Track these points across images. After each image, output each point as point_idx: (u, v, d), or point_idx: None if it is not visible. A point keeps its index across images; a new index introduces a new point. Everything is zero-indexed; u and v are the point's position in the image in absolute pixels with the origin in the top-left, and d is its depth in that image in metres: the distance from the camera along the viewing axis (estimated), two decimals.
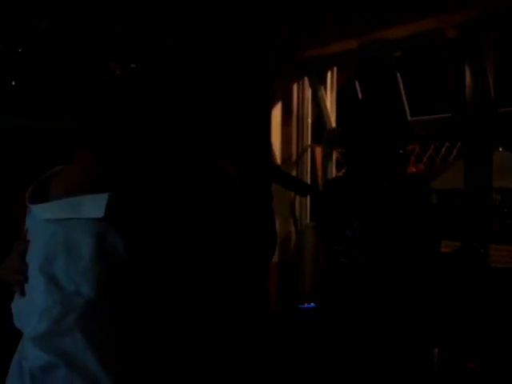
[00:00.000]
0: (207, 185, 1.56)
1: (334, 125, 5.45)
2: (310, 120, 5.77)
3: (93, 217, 1.37)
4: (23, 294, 1.47)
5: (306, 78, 5.62)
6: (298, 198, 5.70)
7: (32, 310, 1.42)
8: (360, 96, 5.14)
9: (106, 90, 1.57)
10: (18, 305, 1.51)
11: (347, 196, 2.63)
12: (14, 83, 5.85)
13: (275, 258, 5.56)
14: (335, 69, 5.57)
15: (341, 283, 2.61)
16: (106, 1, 4.77)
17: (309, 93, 5.66)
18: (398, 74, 4.67)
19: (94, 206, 1.37)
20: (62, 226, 1.41)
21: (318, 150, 5.86)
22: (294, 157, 5.73)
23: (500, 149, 11.85)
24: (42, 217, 1.45)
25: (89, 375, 1.37)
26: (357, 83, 5.15)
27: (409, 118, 4.59)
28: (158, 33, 5.02)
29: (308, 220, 5.71)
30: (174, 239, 1.45)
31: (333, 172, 5.48)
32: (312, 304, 4.83)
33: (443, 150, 12.44)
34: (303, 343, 3.99)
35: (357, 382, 2.59)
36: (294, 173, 5.71)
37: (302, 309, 4.82)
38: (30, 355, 1.46)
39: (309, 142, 5.76)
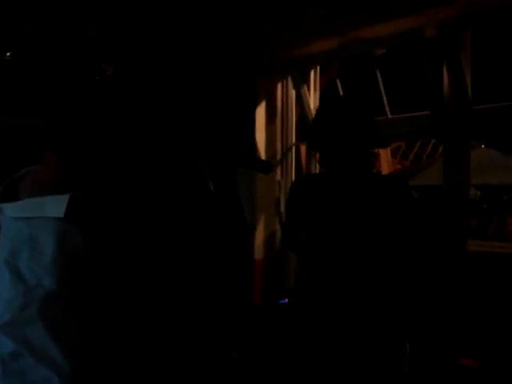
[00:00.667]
0: (176, 183, 1.61)
1: None
2: (294, 119, 5.82)
3: (54, 216, 1.46)
4: None
5: (289, 77, 5.68)
6: (282, 196, 5.76)
7: None
8: (341, 95, 5.21)
9: (73, 91, 1.63)
10: None
11: (311, 190, 2.70)
12: (0, 84, 5.88)
13: (261, 255, 5.57)
14: (318, 68, 5.63)
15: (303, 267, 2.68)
16: (91, 1, 4.81)
17: (293, 92, 5.72)
18: (378, 73, 4.75)
19: (55, 205, 1.46)
20: (27, 224, 1.50)
21: (303, 148, 5.92)
22: (279, 155, 5.78)
23: (482, 146, 11.99)
24: (10, 215, 1.54)
25: (50, 361, 1.45)
26: (338, 82, 5.22)
27: (389, 116, 4.67)
28: (144, 34, 5.06)
29: None
30: (137, 237, 1.51)
31: (316, 169, 5.54)
32: None
33: (429, 147, 12.54)
34: (278, 337, 4.06)
35: (323, 374, 2.64)
36: (278, 171, 5.78)
37: (281, 304, 4.90)
38: (1, 343, 1.53)
39: (293, 141, 5.82)
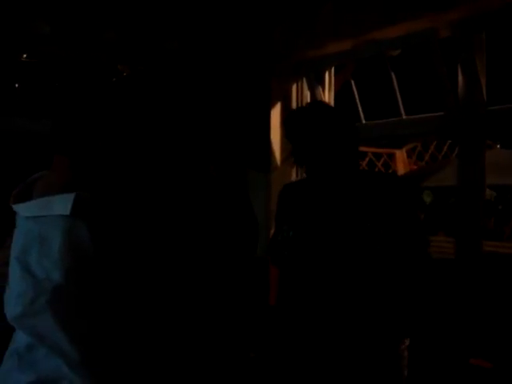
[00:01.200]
0: (187, 185, 1.66)
1: None
2: None
3: (61, 214, 1.53)
4: (7, 284, 1.64)
5: (304, 79, 5.70)
6: None
7: (9, 296, 1.61)
8: (356, 96, 5.22)
9: (83, 92, 1.69)
10: (5, 295, 1.68)
11: (292, 201, 2.74)
12: (17, 86, 5.95)
13: None
14: (333, 69, 5.65)
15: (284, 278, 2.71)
16: (105, 5, 4.86)
17: (308, 92, 5.74)
18: (393, 74, 4.75)
19: (62, 204, 1.55)
20: (36, 223, 1.59)
21: None
22: None
23: (497, 146, 11.93)
24: (22, 214, 1.64)
25: (60, 351, 1.54)
26: (353, 84, 5.23)
27: (404, 116, 4.67)
28: (158, 36, 5.10)
29: None
30: (144, 235, 1.58)
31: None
32: None
33: (445, 147, 12.50)
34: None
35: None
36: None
37: None
38: (17, 337, 1.66)
39: None
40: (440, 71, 4.35)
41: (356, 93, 5.21)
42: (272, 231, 5.54)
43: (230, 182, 1.80)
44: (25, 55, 5.87)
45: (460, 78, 4.23)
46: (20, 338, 1.62)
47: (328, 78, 5.62)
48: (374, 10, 4.52)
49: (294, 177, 5.79)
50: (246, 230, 1.76)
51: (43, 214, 1.57)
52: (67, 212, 1.52)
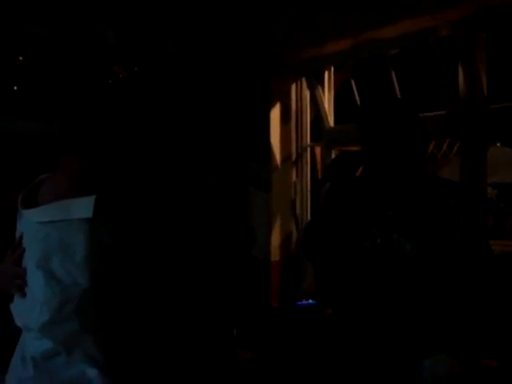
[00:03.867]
0: (187, 187, 1.67)
1: (332, 124, 5.51)
2: (309, 119, 5.82)
3: (82, 217, 1.50)
4: (24, 295, 1.59)
5: (303, 78, 5.68)
6: (298, 197, 5.77)
7: (33, 304, 1.58)
8: (357, 96, 5.19)
9: (91, 94, 1.68)
10: (18, 305, 1.64)
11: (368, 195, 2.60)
12: (16, 88, 5.92)
13: (277, 256, 5.57)
14: (332, 68, 5.63)
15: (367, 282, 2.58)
16: (102, 6, 4.84)
17: (307, 92, 5.72)
18: (393, 73, 4.73)
19: (82, 207, 1.54)
20: (54, 228, 1.56)
21: (318, 149, 5.92)
22: (294, 156, 5.79)
23: (498, 144, 11.90)
24: (35, 220, 1.58)
25: (86, 356, 1.55)
26: (353, 83, 5.20)
27: None
28: (156, 36, 5.08)
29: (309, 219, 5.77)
30: (157, 234, 1.58)
31: None
32: (310, 301, 4.89)
33: (444, 146, 12.45)
34: (300, 340, 4.05)
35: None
36: (293, 172, 5.78)
37: (299, 306, 4.88)
38: (31, 346, 1.64)
39: (308, 142, 5.82)
40: (441, 70, 4.33)
41: (356, 92, 5.19)
42: (275, 230, 5.56)
43: (225, 193, 1.82)
44: (20, 57, 5.85)
45: (461, 76, 4.21)
46: (34, 347, 1.60)
47: (327, 77, 5.61)
48: (374, 9, 4.50)
49: (294, 177, 5.78)
50: (237, 232, 1.78)
51: (62, 218, 1.54)
52: (89, 215, 1.51)
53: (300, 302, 4.89)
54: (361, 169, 2.66)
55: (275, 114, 5.67)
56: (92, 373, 1.55)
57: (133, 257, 1.55)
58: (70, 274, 1.52)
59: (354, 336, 2.59)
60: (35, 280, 1.57)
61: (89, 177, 1.60)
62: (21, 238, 1.67)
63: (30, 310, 1.58)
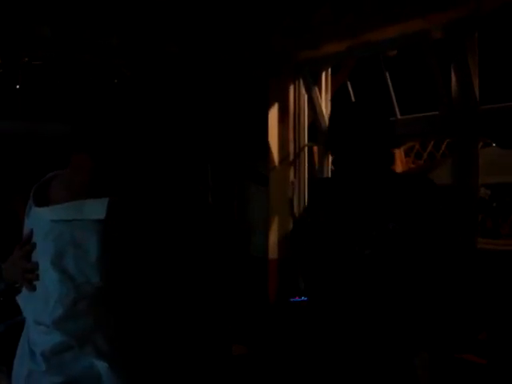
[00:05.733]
0: (188, 185, 1.73)
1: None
2: (306, 120, 5.89)
3: (96, 218, 1.58)
4: (34, 289, 1.66)
5: (301, 79, 5.74)
6: (295, 196, 5.83)
7: (46, 300, 1.64)
8: (352, 98, 5.27)
9: (102, 95, 1.74)
10: (26, 298, 1.71)
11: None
12: (18, 87, 5.99)
13: (275, 255, 5.61)
14: (329, 70, 5.70)
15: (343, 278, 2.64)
16: (107, 9, 4.91)
17: (305, 93, 5.78)
18: (388, 74, 4.81)
19: (96, 208, 1.60)
20: (67, 226, 1.62)
21: (316, 150, 5.99)
22: (292, 156, 5.85)
23: (493, 144, 11.94)
24: (48, 218, 1.66)
25: (95, 350, 1.61)
26: (349, 85, 5.29)
27: (398, 116, 4.73)
28: (158, 40, 5.15)
29: None
30: (164, 236, 1.65)
31: (329, 171, 5.60)
32: (303, 297, 4.96)
33: (443, 146, 12.50)
34: (292, 335, 4.11)
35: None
36: (291, 172, 5.84)
37: (292, 302, 4.96)
38: (39, 340, 1.70)
39: (306, 142, 5.88)
40: (434, 71, 4.41)
41: (352, 93, 5.27)
42: (273, 229, 5.62)
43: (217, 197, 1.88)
44: (26, 58, 5.93)
45: (453, 77, 4.29)
46: (43, 341, 1.67)
47: (325, 78, 5.68)
48: (370, 11, 4.57)
49: (291, 177, 5.83)
50: (232, 232, 1.84)
51: (76, 217, 1.60)
52: (103, 216, 1.57)
53: (294, 299, 4.96)
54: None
55: (273, 114, 5.73)
56: (101, 366, 1.61)
57: (143, 256, 1.62)
58: (83, 273, 1.58)
59: (331, 332, 2.66)
60: (48, 277, 1.62)
61: (101, 177, 1.66)
62: (31, 233, 1.72)
63: (44, 305, 1.63)
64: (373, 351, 2.55)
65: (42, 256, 1.66)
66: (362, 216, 2.56)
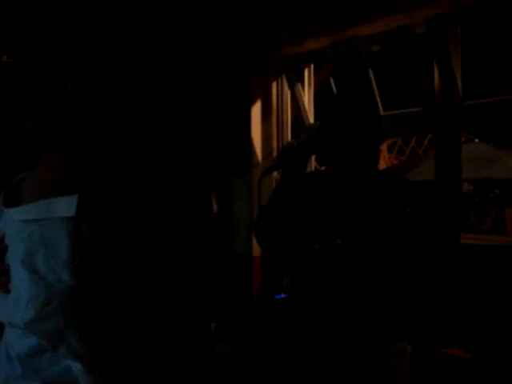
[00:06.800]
0: (162, 186, 1.71)
1: (312, 121, 5.57)
2: (289, 116, 5.88)
3: (65, 215, 1.55)
4: (8, 291, 1.63)
5: (284, 76, 5.74)
6: None
7: (18, 301, 1.60)
8: (335, 93, 5.27)
9: (72, 91, 1.71)
10: (1, 302, 1.67)
11: (321, 188, 2.69)
12: None
13: (259, 252, 5.62)
14: (312, 66, 5.69)
15: (312, 270, 2.66)
16: (85, 4, 4.87)
17: (288, 90, 5.78)
18: (370, 70, 4.80)
19: (65, 206, 1.58)
20: (37, 226, 1.59)
21: None
22: (275, 153, 5.84)
23: (476, 140, 12.03)
24: (18, 218, 1.63)
25: (71, 352, 1.58)
26: (332, 81, 5.28)
27: (382, 112, 4.73)
28: (139, 36, 5.11)
29: None
30: (138, 232, 1.62)
31: (312, 166, 5.60)
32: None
33: (425, 141, 12.58)
34: (276, 332, 4.11)
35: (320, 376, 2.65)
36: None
37: (276, 299, 4.96)
38: (15, 344, 1.67)
39: (289, 138, 5.88)
40: (416, 67, 4.41)
41: (335, 89, 5.26)
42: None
43: (199, 196, 1.85)
44: (4, 56, 5.86)
45: (436, 73, 4.29)
46: (19, 344, 1.64)
47: (307, 75, 5.67)
48: (352, 6, 4.57)
49: (275, 172, 5.81)
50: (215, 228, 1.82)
51: (45, 216, 1.57)
52: (72, 214, 1.54)
53: (278, 296, 4.97)
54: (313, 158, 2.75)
55: (256, 111, 5.72)
56: (77, 369, 1.58)
57: (116, 254, 1.59)
58: (54, 272, 1.55)
59: (304, 323, 2.67)
60: (20, 277, 1.60)
61: (71, 174, 1.64)
62: (3, 236, 1.69)
63: (15, 306, 1.60)
64: (332, 345, 2.57)
65: (14, 257, 1.63)
66: (339, 207, 2.57)
